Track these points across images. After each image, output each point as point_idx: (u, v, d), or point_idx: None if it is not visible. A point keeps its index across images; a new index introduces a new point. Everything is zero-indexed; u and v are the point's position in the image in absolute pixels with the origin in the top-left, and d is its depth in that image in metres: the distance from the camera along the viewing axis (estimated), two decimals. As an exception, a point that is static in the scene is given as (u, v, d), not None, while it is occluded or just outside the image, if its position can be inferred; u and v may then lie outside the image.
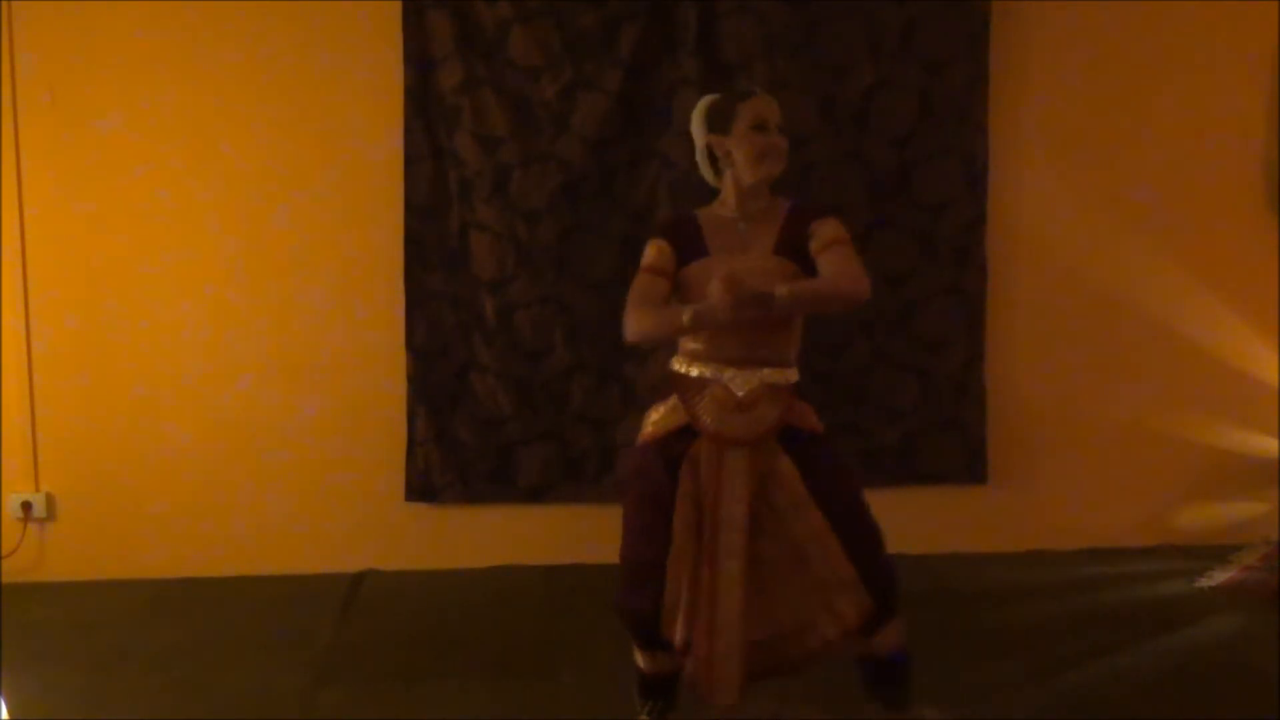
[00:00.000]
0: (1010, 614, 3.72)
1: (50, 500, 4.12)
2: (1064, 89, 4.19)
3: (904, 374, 4.18)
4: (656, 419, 2.72)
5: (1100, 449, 4.32)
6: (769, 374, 2.66)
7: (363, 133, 4.07)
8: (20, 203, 4.01)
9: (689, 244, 2.72)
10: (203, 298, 4.09)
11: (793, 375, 2.71)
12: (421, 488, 4.15)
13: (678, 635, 2.64)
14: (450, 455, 4.13)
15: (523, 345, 4.11)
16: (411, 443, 4.13)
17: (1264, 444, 4.31)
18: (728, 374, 2.65)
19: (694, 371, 2.68)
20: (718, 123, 2.72)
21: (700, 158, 2.78)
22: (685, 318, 2.52)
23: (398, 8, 3.98)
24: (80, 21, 3.97)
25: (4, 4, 3.93)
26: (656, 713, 2.82)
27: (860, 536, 2.62)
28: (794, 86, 4.02)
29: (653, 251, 2.73)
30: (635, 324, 2.67)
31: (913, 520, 4.22)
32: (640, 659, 2.79)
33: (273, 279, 4.10)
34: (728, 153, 2.71)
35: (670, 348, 2.80)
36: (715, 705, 2.63)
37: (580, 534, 4.19)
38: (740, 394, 2.64)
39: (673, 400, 2.70)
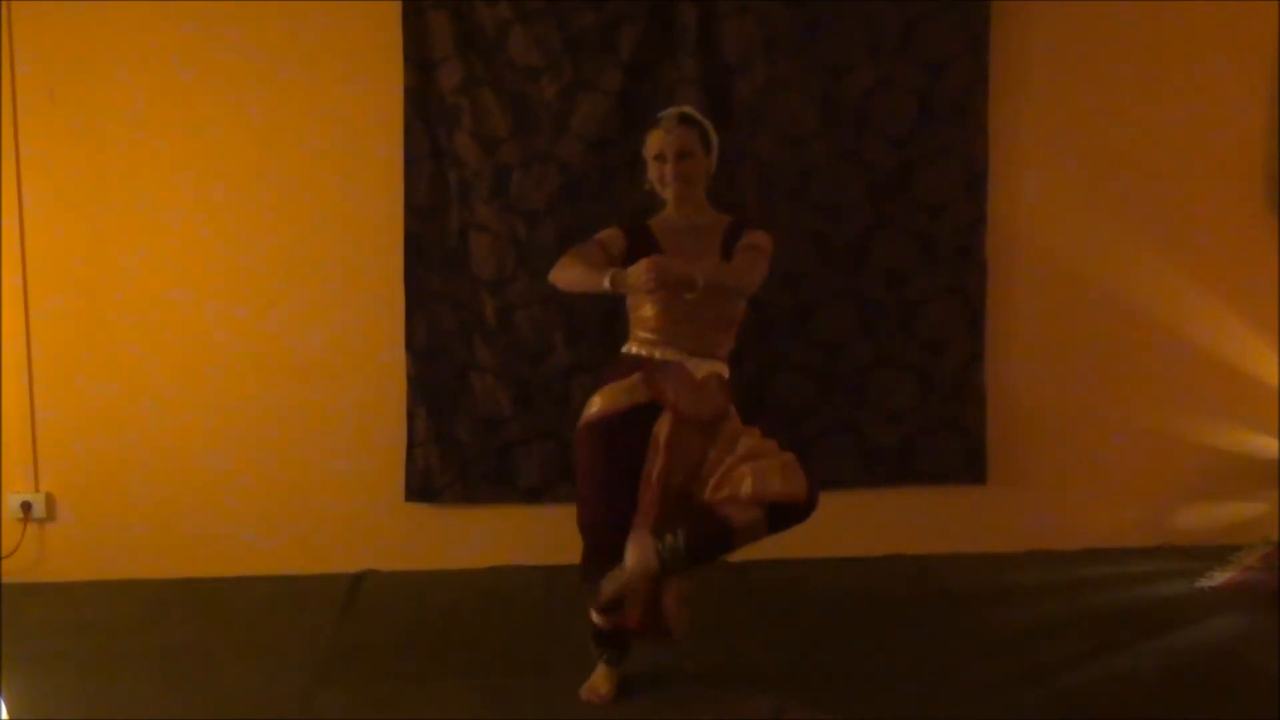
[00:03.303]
0: (1010, 614, 3.71)
1: (50, 500, 4.12)
2: (1064, 89, 4.19)
3: (904, 374, 4.18)
4: (616, 396, 3.02)
5: (1100, 449, 4.32)
6: (715, 364, 3.07)
7: (363, 133, 4.07)
8: (20, 203, 4.01)
9: (642, 243, 3.05)
10: (203, 298, 4.09)
11: (726, 370, 3.11)
12: (421, 488, 4.15)
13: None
14: (450, 456, 4.13)
15: (523, 346, 4.10)
16: (411, 443, 4.13)
17: (1264, 444, 4.31)
18: (689, 361, 3.01)
19: (656, 354, 3.03)
20: (643, 148, 3.15)
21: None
22: (605, 280, 2.87)
23: (398, 8, 3.98)
24: (80, 21, 3.96)
25: (4, 4, 3.93)
26: (615, 660, 3.16)
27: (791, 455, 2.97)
28: (794, 86, 4.02)
29: (605, 234, 3.11)
30: (562, 271, 3.04)
31: (912, 520, 4.24)
32: (598, 617, 3.12)
33: (273, 279, 4.10)
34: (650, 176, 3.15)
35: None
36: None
37: (580, 534, 4.19)
38: (699, 375, 3.01)
39: (633, 380, 3.02)
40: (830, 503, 3.04)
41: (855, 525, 4.16)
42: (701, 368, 3.02)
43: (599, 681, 3.14)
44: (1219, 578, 3.94)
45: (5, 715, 2.90)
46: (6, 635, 3.47)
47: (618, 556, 2.94)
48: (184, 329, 4.09)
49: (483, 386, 4.12)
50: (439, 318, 4.10)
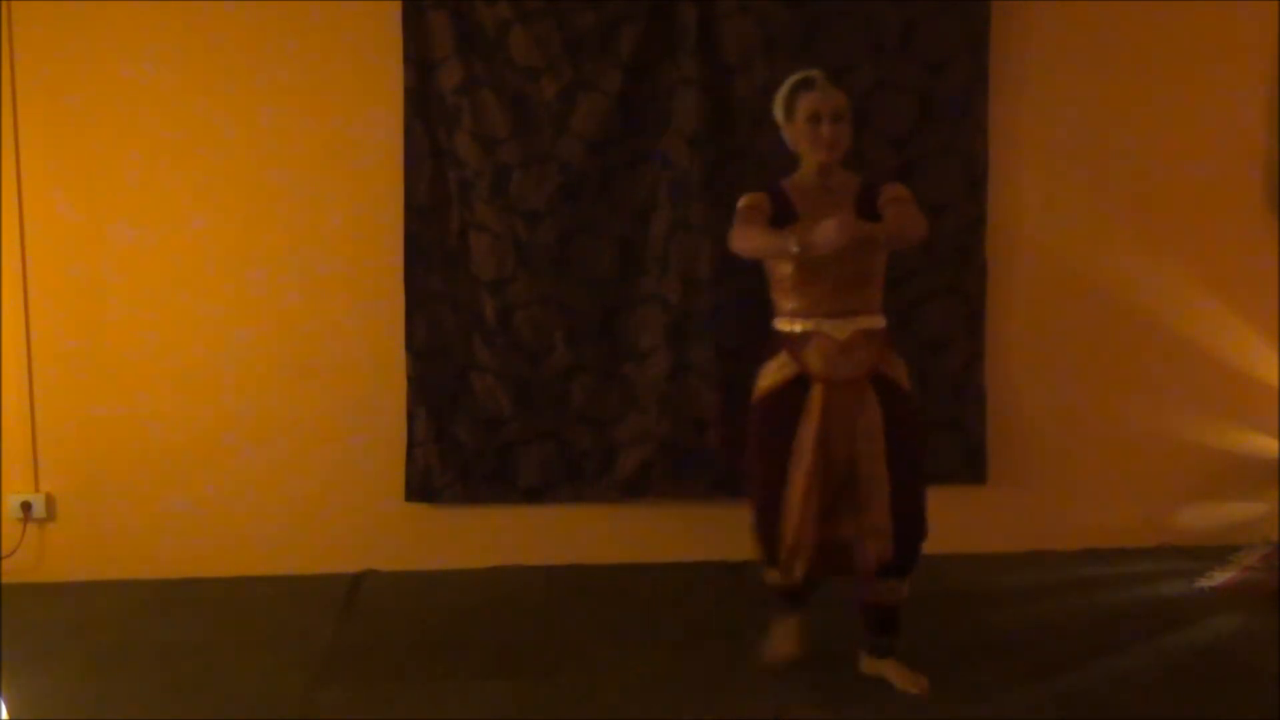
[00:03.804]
0: (1010, 614, 3.71)
1: (50, 500, 4.12)
2: (1064, 89, 4.19)
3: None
4: (770, 374, 3.11)
5: (1100, 449, 4.32)
6: (862, 320, 3.08)
7: (363, 133, 4.07)
8: (20, 202, 4.02)
9: (781, 206, 3.11)
10: (203, 298, 4.09)
11: (881, 320, 3.13)
12: (421, 488, 4.15)
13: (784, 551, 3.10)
14: (450, 456, 4.13)
15: (523, 345, 4.11)
16: (411, 443, 4.13)
17: (1264, 444, 4.31)
18: (827, 324, 3.05)
19: (798, 328, 3.09)
20: (785, 111, 3.15)
21: (784, 135, 3.19)
22: (793, 244, 2.89)
23: (398, 8, 3.98)
24: (80, 21, 3.97)
25: (4, 4, 3.94)
26: (800, 604, 3.29)
27: (908, 497, 3.10)
28: (794, 86, 4.03)
29: (752, 199, 3.13)
30: (744, 239, 3.07)
31: (913, 520, 4.23)
32: (773, 575, 3.24)
33: (273, 279, 4.10)
34: (794, 138, 3.15)
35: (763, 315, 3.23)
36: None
37: (580, 534, 4.20)
38: (841, 338, 3.05)
39: (782, 356, 3.10)
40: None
41: (855, 525, 4.15)
42: (845, 328, 3.05)
43: (782, 641, 3.27)
44: (1219, 578, 3.94)
45: (5, 715, 2.90)
46: (6, 635, 3.47)
47: (777, 522, 3.08)
48: (184, 329, 4.09)
49: (483, 386, 4.12)
50: (439, 318, 4.10)
